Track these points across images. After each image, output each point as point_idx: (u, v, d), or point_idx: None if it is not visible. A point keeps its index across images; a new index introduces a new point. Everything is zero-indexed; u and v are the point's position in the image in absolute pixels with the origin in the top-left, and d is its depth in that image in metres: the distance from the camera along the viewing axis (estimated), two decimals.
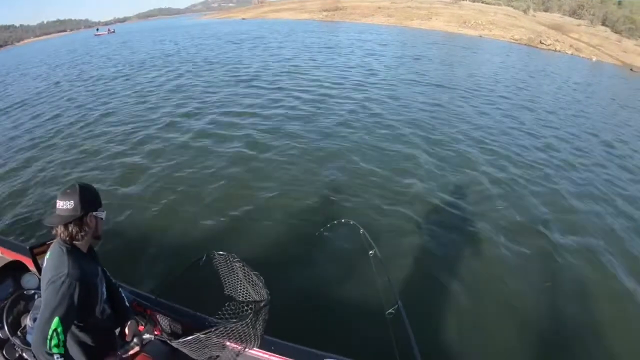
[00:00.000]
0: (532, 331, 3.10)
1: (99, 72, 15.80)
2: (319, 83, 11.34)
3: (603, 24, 39.93)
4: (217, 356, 1.66)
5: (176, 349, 1.60)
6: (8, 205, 5.03)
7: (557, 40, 30.34)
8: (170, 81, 12.46)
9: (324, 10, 47.37)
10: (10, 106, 10.99)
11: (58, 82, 14.21)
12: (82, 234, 1.40)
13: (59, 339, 1.22)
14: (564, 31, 34.90)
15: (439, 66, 16.03)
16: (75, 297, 1.29)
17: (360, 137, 7.02)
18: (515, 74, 15.82)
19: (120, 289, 1.73)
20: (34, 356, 1.27)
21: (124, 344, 1.60)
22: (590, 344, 3.03)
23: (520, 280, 3.64)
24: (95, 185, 1.50)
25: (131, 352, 1.60)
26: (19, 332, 1.73)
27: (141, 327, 1.73)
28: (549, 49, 28.45)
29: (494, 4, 47.07)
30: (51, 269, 1.32)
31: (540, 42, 29.63)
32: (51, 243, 1.45)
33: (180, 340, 1.49)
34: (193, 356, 1.58)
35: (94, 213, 1.42)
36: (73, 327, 1.39)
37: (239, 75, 12.69)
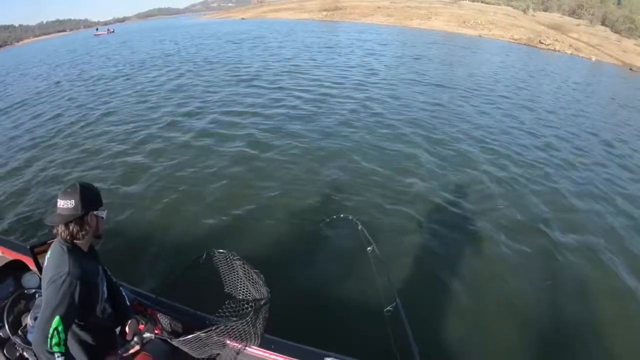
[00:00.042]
0: (532, 330, 3.10)
1: (99, 72, 15.79)
2: (319, 83, 11.34)
3: (602, 23, 39.91)
4: (218, 354, 1.67)
5: (177, 348, 1.60)
6: (9, 204, 5.04)
7: (556, 40, 30.34)
8: (171, 81, 12.46)
9: (324, 10, 47.35)
10: (11, 106, 10.99)
11: (58, 82, 14.21)
12: (83, 233, 1.40)
13: (59, 338, 1.22)
14: (564, 31, 34.89)
15: (439, 66, 16.04)
16: (76, 296, 1.29)
17: (362, 137, 7.02)
18: (515, 74, 15.82)
19: (120, 288, 1.73)
20: (35, 355, 1.27)
21: (125, 342, 1.60)
22: (591, 342, 3.03)
23: (521, 278, 3.65)
24: (97, 185, 1.50)
25: (132, 351, 1.60)
26: (19, 331, 1.73)
27: (142, 326, 1.73)
28: (549, 49, 28.45)
29: (493, 4, 47.04)
30: (52, 268, 1.33)
31: (540, 42, 29.62)
32: (52, 242, 1.45)
33: (181, 339, 1.49)
34: (193, 355, 1.58)
35: (95, 212, 1.42)
36: (74, 326, 1.39)
37: (239, 75, 12.69)
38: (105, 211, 1.49)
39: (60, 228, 1.38)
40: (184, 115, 8.44)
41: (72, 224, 1.37)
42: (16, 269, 2.09)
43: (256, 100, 9.52)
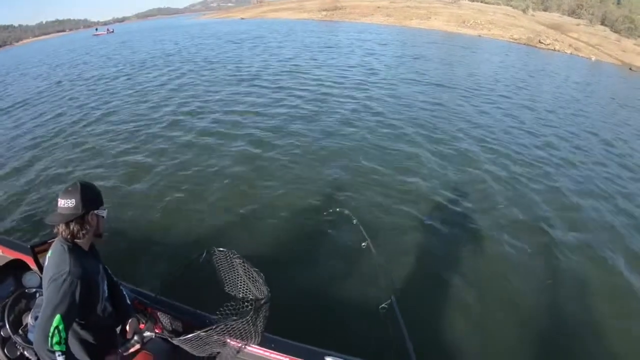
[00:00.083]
0: (532, 329, 3.10)
1: (99, 71, 15.78)
2: (320, 82, 11.34)
3: (602, 23, 39.91)
4: (218, 353, 1.67)
5: (177, 347, 1.61)
6: (11, 204, 5.04)
7: (556, 40, 30.33)
8: (172, 80, 12.45)
9: (323, 10, 47.30)
10: (12, 106, 10.98)
11: (59, 82, 14.19)
12: (84, 232, 1.40)
13: (60, 337, 1.22)
14: (563, 30, 34.88)
15: (439, 65, 16.03)
16: (77, 295, 1.29)
17: (362, 136, 7.03)
18: (515, 74, 15.82)
19: (121, 287, 1.73)
20: (36, 354, 1.27)
21: (125, 341, 1.60)
22: (591, 341, 3.03)
23: (522, 277, 3.65)
24: (99, 184, 1.50)
25: (132, 350, 1.60)
26: (20, 331, 1.73)
27: (142, 325, 1.73)
28: (548, 49, 28.44)
29: (493, 4, 47.04)
30: (53, 267, 1.33)
31: (540, 42, 29.61)
32: (52, 242, 1.45)
33: (181, 337, 1.49)
34: (194, 353, 1.58)
35: (96, 211, 1.43)
36: (74, 325, 1.39)
37: (240, 75, 12.69)
38: (106, 210, 1.49)
39: (61, 227, 1.38)
40: (185, 115, 8.45)
41: (73, 223, 1.37)
42: (17, 268, 2.09)
43: (257, 99, 9.52)
